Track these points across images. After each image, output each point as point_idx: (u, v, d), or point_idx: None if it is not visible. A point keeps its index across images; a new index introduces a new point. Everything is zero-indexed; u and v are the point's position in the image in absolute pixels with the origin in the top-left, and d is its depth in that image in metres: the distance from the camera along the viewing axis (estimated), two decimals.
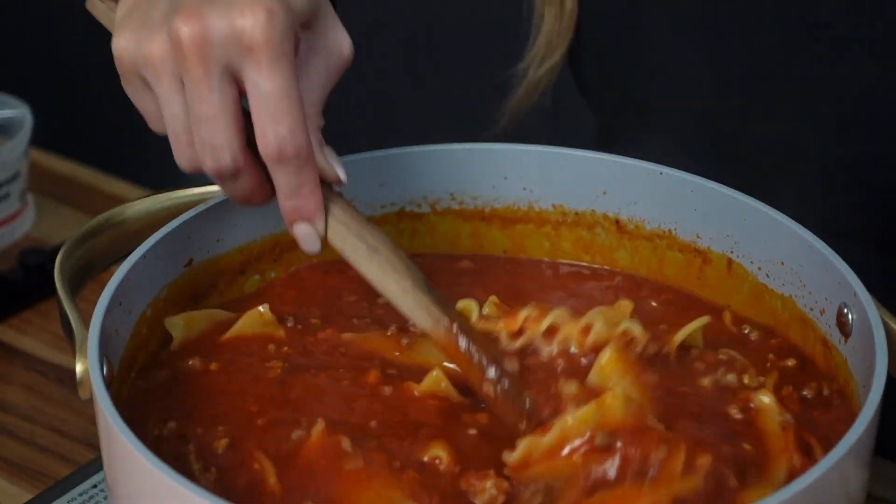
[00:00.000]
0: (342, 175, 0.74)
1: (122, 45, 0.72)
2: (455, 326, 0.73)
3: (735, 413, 0.73)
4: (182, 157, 0.72)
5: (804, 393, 0.76)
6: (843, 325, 0.75)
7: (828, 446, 0.68)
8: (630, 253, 0.86)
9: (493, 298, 0.79)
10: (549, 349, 0.74)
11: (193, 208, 0.80)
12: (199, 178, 0.76)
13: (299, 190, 0.72)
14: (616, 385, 0.71)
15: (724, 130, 0.99)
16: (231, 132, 0.70)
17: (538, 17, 1.02)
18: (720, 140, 0.99)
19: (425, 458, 0.70)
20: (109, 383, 0.70)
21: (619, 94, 1.04)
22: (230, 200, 0.81)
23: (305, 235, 0.73)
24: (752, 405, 0.73)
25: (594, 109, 1.08)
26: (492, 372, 0.73)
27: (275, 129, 0.70)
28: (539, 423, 0.70)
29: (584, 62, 1.04)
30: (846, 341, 0.74)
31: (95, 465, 0.88)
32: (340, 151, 0.77)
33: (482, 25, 1.83)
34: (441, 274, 0.85)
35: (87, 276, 0.79)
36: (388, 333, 0.80)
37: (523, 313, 0.75)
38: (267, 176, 0.73)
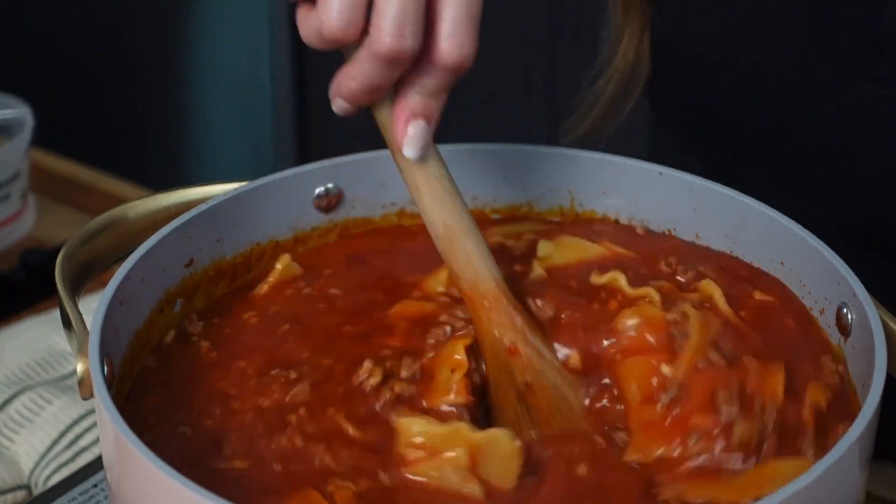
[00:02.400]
0: None
1: None
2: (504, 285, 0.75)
3: None
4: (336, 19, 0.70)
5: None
6: (842, 325, 0.75)
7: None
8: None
9: None
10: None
11: (194, 208, 0.80)
12: (200, 179, 0.76)
13: (440, 94, 0.72)
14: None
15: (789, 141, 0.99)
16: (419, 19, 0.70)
17: (616, 33, 1.02)
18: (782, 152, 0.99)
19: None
20: (110, 383, 0.70)
21: (690, 104, 1.03)
22: (231, 200, 0.81)
23: (419, 133, 0.73)
24: None
25: (658, 109, 1.08)
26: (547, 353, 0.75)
27: (463, 39, 0.70)
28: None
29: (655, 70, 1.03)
30: (846, 341, 0.75)
31: (95, 464, 0.88)
32: (345, 149, 0.77)
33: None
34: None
35: (88, 276, 0.79)
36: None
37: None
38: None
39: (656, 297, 0.76)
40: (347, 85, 0.72)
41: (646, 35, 1.02)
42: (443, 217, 0.75)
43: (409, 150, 0.73)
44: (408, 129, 0.73)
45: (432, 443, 0.70)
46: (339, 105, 0.73)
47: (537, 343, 0.75)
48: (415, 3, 0.69)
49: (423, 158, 0.73)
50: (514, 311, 0.75)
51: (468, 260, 0.75)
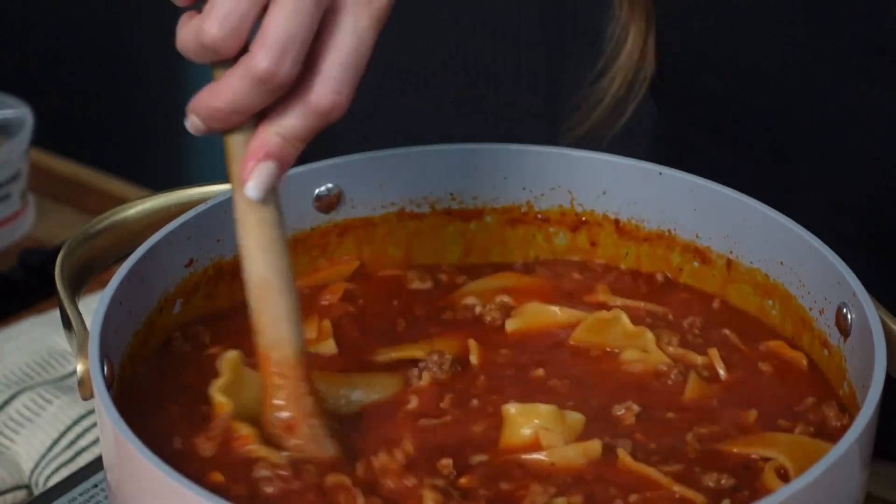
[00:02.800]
0: None
1: None
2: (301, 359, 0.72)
3: None
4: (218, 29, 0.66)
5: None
6: (842, 325, 0.75)
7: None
8: (629, 253, 0.86)
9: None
10: None
11: (194, 208, 0.80)
12: (200, 179, 0.76)
13: (303, 141, 0.69)
14: None
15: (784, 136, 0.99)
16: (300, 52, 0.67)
17: (622, 30, 1.02)
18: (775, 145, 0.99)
19: None
20: (110, 383, 0.70)
21: (692, 94, 1.03)
22: (231, 200, 0.81)
23: (268, 175, 0.69)
24: None
25: (663, 108, 1.08)
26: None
27: (341, 85, 0.68)
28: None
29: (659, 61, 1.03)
30: (845, 341, 0.75)
31: (96, 465, 0.88)
32: (339, 151, 0.77)
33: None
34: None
35: (87, 276, 0.79)
36: None
37: None
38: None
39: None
40: (212, 102, 0.68)
41: (651, 34, 1.02)
42: (263, 268, 0.71)
43: (253, 189, 0.69)
44: (258, 167, 0.69)
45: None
46: (193, 122, 0.69)
47: (316, 425, 0.71)
48: (304, 34, 0.66)
49: (263, 200, 0.70)
50: (305, 387, 0.71)
51: (275, 320, 0.71)
